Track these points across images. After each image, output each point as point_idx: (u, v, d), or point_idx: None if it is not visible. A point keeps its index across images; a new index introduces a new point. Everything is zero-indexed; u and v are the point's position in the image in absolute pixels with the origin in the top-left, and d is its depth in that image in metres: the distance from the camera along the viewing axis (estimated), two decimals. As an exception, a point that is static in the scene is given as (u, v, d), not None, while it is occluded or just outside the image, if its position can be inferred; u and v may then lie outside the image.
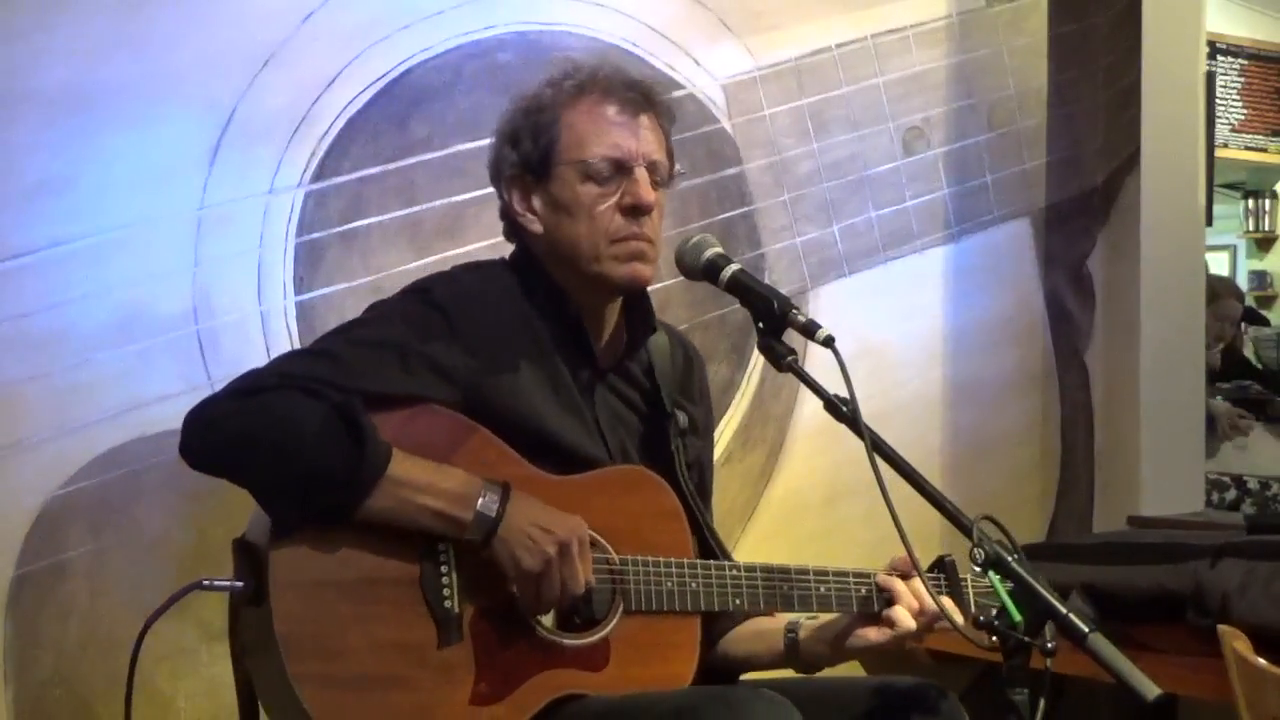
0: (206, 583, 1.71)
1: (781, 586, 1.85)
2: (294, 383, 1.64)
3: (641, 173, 1.82)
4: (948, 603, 1.77)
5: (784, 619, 1.94)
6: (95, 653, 2.21)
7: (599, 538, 1.76)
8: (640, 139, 1.83)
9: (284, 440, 1.61)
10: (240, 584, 1.67)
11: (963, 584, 1.85)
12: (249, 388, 1.66)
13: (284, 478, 1.61)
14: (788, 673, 1.95)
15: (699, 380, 2.05)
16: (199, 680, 2.27)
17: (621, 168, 1.82)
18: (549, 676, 1.71)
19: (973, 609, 1.82)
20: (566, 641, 1.73)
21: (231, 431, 1.64)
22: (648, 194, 1.81)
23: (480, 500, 1.66)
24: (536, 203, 1.85)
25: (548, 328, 1.84)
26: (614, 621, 1.75)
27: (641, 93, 1.85)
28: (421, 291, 1.81)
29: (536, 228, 1.86)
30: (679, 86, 2.82)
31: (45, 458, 2.18)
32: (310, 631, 1.61)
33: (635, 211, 1.81)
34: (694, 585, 1.80)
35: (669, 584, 1.78)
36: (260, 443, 1.62)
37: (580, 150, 1.81)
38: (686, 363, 2.03)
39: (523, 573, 1.66)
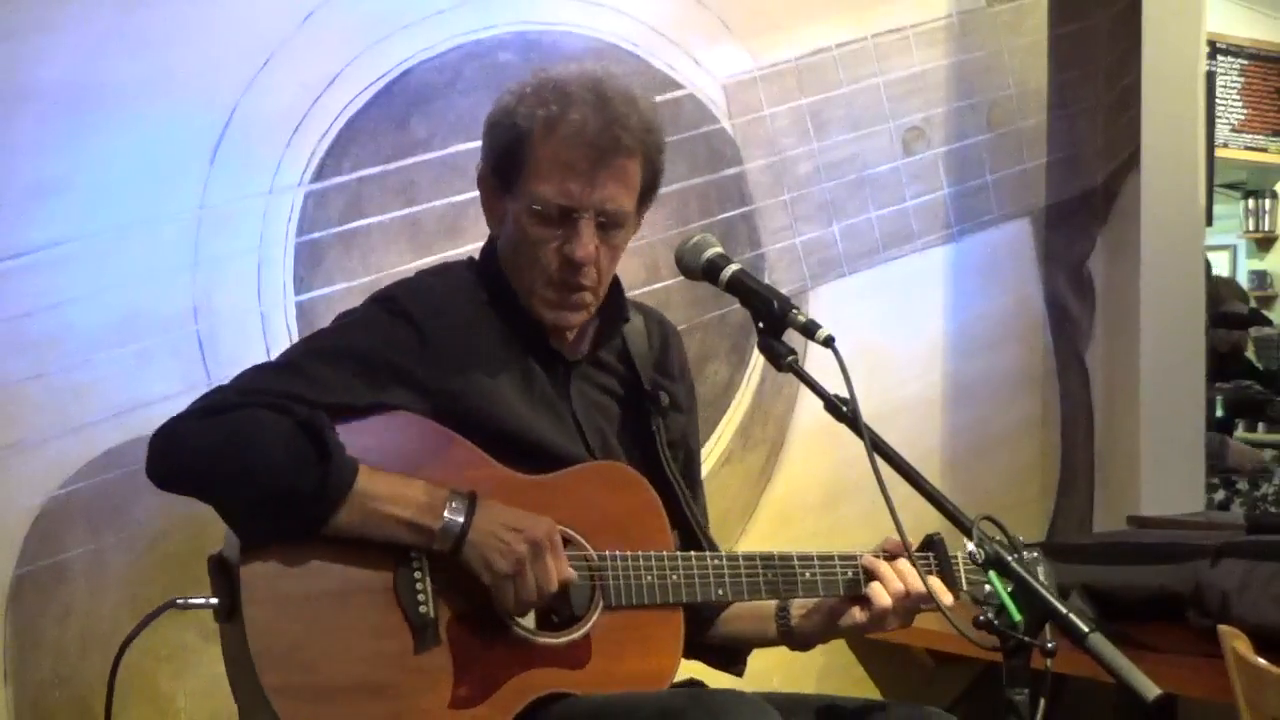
0: (181, 601, 1.71)
1: (765, 574, 1.84)
2: (258, 399, 1.64)
3: (586, 225, 1.78)
4: (936, 583, 1.78)
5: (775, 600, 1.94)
6: (95, 653, 2.21)
7: (575, 535, 1.76)
8: (598, 187, 1.78)
9: (249, 459, 1.61)
10: (215, 601, 1.67)
11: (953, 562, 1.86)
12: (213, 406, 1.66)
13: (250, 496, 1.61)
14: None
15: (678, 356, 2.04)
16: (199, 680, 2.26)
17: (567, 216, 1.78)
18: (530, 676, 1.71)
19: (964, 587, 1.84)
20: (546, 640, 1.72)
21: (196, 451, 1.64)
22: (584, 250, 1.78)
23: (447, 509, 1.65)
24: (497, 209, 1.87)
25: (515, 327, 1.84)
26: (594, 618, 1.75)
27: (614, 136, 1.77)
28: (386, 300, 1.80)
29: (495, 230, 1.88)
30: (679, 86, 2.82)
31: (45, 458, 2.18)
32: (284, 645, 1.60)
33: (571, 263, 1.79)
34: (674, 577, 1.79)
35: (649, 577, 1.78)
36: (225, 462, 1.61)
37: (534, 186, 1.78)
38: (663, 340, 2.02)
39: (496, 575, 1.66)
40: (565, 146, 1.77)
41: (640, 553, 1.79)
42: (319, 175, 2.41)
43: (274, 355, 2.32)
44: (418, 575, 1.66)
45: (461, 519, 1.65)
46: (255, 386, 1.68)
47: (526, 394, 1.82)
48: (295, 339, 2.37)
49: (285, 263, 2.38)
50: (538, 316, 1.83)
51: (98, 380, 2.21)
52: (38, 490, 2.17)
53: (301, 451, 1.61)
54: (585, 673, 1.74)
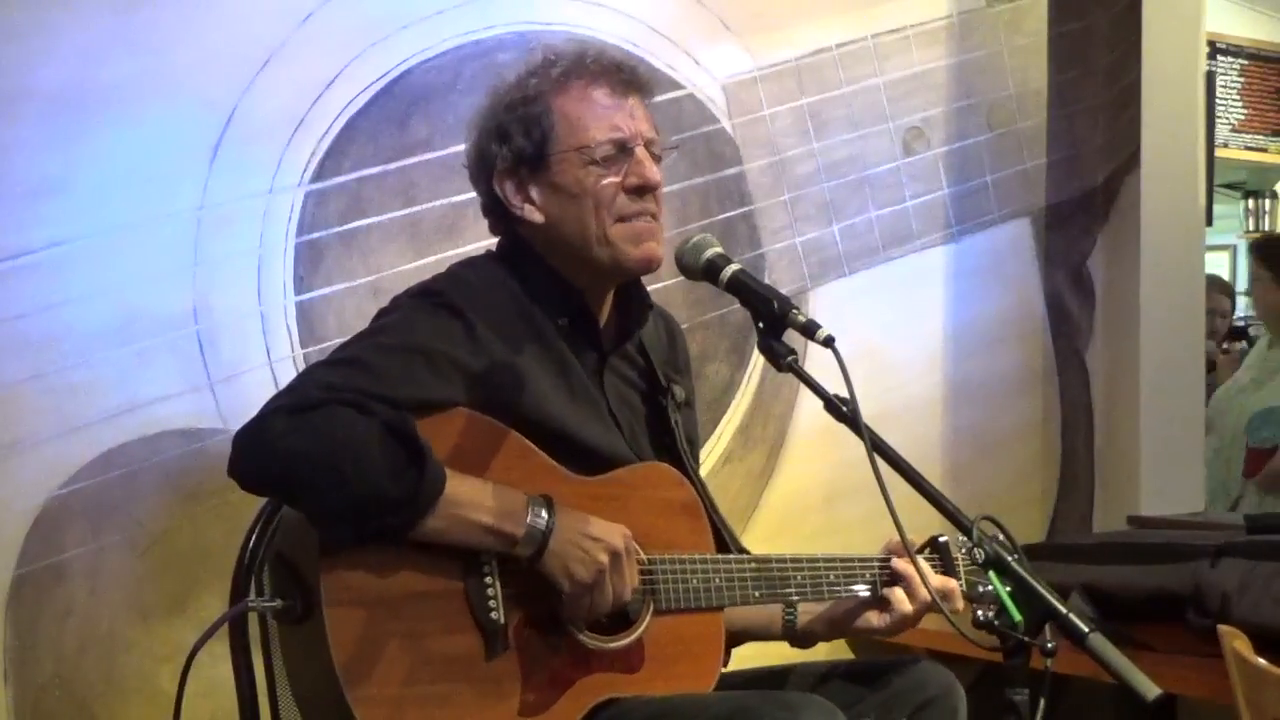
0: (253, 603, 1.71)
1: (795, 576, 1.86)
2: (341, 396, 1.61)
3: (642, 151, 1.82)
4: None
5: None
6: (95, 653, 2.21)
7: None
8: (635, 118, 1.83)
9: (342, 462, 1.57)
10: (285, 602, 1.65)
11: (955, 564, 1.90)
12: (297, 405, 1.61)
13: (342, 500, 1.58)
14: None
15: (682, 352, 2.06)
16: (199, 680, 2.24)
17: (623, 149, 1.81)
18: (590, 681, 1.72)
19: (964, 589, 1.88)
20: (606, 645, 1.73)
21: (286, 452, 1.59)
22: (652, 171, 1.82)
23: (529, 515, 1.65)
24: (534, 193, 1.84)
25: (550, 318, 1.83)
26: (646, 622, 1.76)
27: (627, 74, 1.85)
28: (432, 294, 1.79)
29: (537, 218, 1.84)
30: (679, 86, 2.82)
31: (45, 458, 2.18)
32: (364, 653, 1.59)
33: (641, 190, 1.81)
34: (717, 580, 1.81)
35: (695, 581, 1.79)
36: (317, 464, 1.58)
37: (579, 136, 1.80)
38: (670, 335, 2.04)
39: (577, 584, 1.66)
40: (591, 88, 1.82)
41: (686, 556, 1.80)
42: (319, 175, 2.41)
43: (273, 355, 2.34)
44: (488, 581, 1.66)
45: (543, 526, 1.65)
46: (332, 382, 1.64)
47: (567, 387, 1.82)
48: (295, 339, 2.37)
49: (285, 263, 2.38)
50: (621, 262, 1.82)
51: (97, 380, 2.21)
52: (38, 490, 2.17)
53: (395, 456, 1.59)
54: (639, 676, 1.75)
